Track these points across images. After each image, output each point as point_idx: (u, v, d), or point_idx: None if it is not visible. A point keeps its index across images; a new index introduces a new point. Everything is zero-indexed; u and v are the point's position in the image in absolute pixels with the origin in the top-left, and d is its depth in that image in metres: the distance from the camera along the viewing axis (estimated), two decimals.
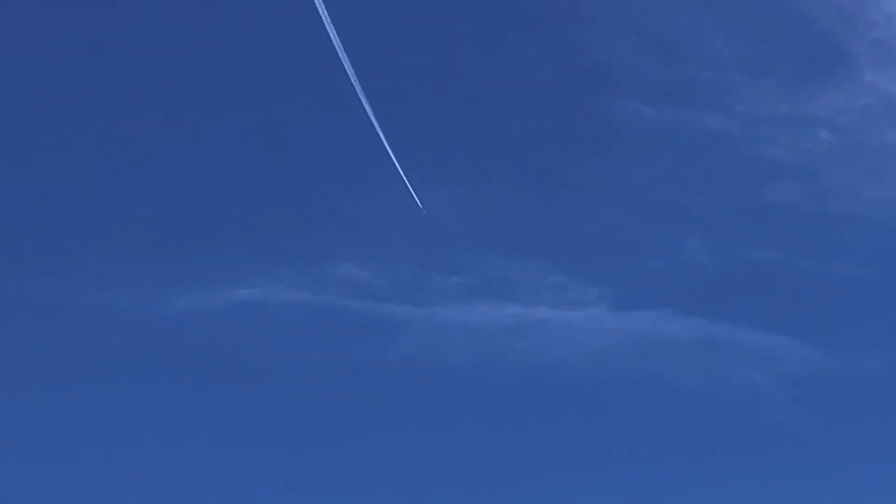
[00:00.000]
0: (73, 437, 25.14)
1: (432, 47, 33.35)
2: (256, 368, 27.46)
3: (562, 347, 29.20)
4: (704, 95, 33.85)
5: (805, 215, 32.03)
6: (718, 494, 25.81)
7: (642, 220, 31.76)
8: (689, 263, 31.17)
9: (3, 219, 29.13)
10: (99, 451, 24.87)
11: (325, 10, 25.26)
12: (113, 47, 31.32)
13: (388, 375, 28.09)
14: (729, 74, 34.24)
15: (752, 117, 33.87)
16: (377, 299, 29.35)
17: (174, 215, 30.55)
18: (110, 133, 30.56)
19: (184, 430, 25.78)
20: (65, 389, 26.12)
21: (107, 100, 30.96)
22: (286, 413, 26.79)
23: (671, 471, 26.55)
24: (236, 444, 25.64)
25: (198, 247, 30.06)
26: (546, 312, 30.17)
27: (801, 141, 33.42)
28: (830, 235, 31.79)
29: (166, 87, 31.43)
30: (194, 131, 31.67)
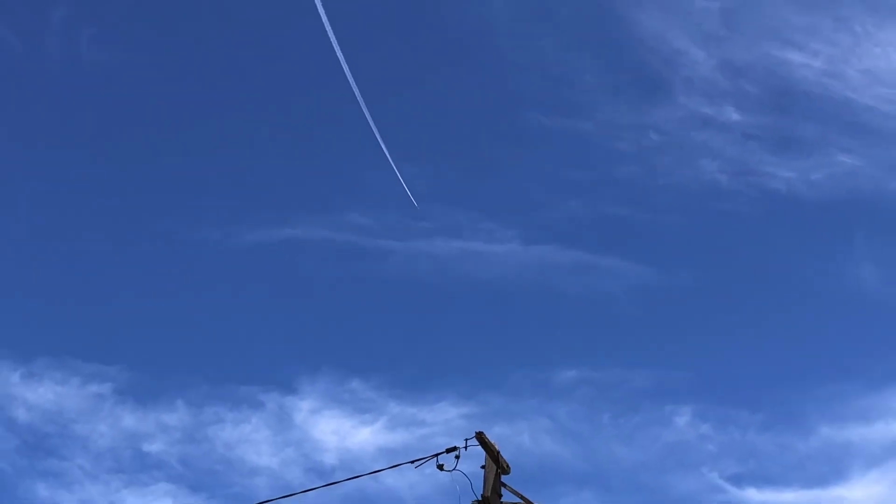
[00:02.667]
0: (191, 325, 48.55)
1: (415, 77, 57.38)
2: (298, 281, 49.83)
3: (490, 268, 50.12)
4: (579, 110, 55.45)
5: (642, 187, 53.44)
6: (588, 361, 45.89)
7: (543, 188, 53.48)
8: (570, 215, 52.18)
9: (134, 177, 52.72)
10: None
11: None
12: None
13: (381, 285, 49.63)
14: (595, 96, 56.67)
15: (609, 123, 55.40)
16: (373, 236, 49.49)
17: (244, 179, 53.56)
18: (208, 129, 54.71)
19: (251, 327, 47.96)
20: (177, 293, 49.29)
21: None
22: (318, 308, 50.00)
23: (560, 346, 48.04)
24: (290, 335, 48.29)
25: (259, 201, 52.17)
26: (481, 246, 50.18)
27: (639, 139, 54.30)
28: (658, 199, 53.16)
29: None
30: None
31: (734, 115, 60.06)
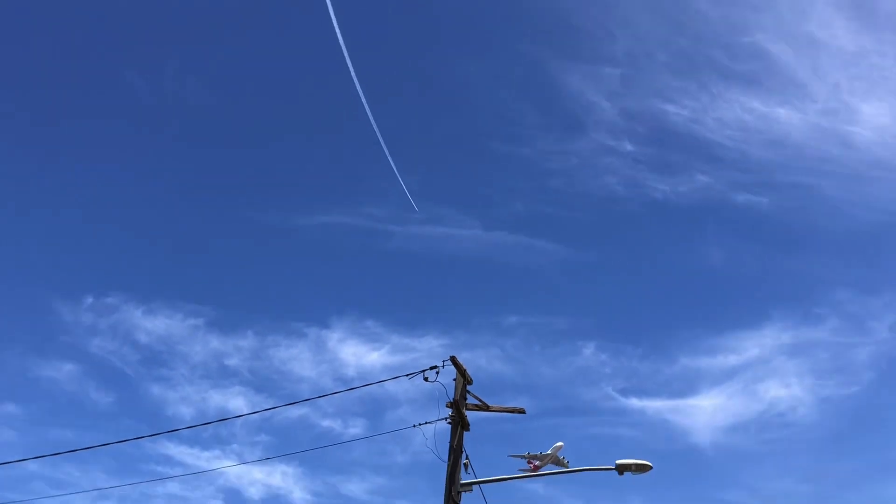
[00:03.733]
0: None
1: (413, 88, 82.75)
2: (331, 251, 73.41)
3: (461, 247, 71.30)
4: (523, 140, 78.71)
5: (565, 193, 76.52)
6: (525, 310, 67.50)
7: (498, 193, 77.21)
8: (516, 211, 75.22)
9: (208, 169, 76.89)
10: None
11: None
12: None
13: (387, 255, 71.88)
14: (534, 131, 79.63)
15: (543, 150, 78.21)
16: (382, 223, 71.32)
17: (296, 181, 79.44)
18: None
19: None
20: (250, 258, 72.94)
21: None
22: (344, 270, 74.56)
23: (507, 300, 70.59)
24: (326, 289, 72.20)
25: (305, 196, 77.28)
26: (455, 231, 71.18)
27: (563, 161, 76.77)
28: (575, 202, 76.81)
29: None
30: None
31: (628, 146, 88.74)
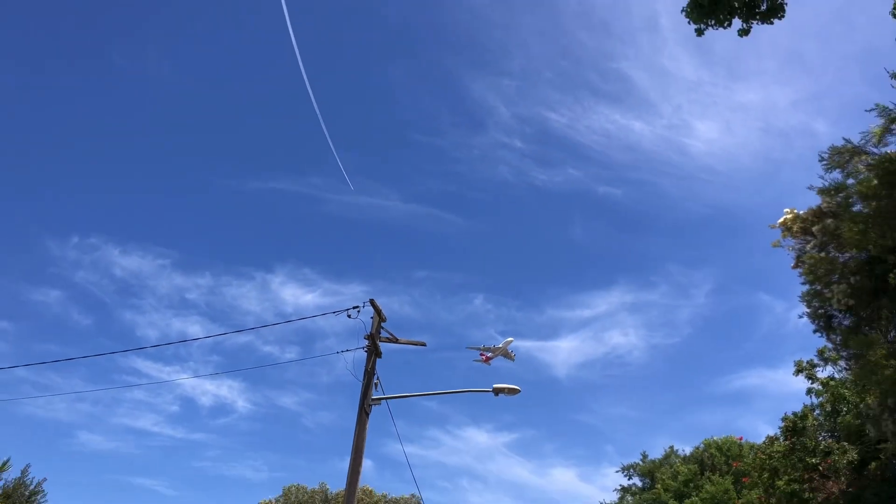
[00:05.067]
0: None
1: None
2: (279, 212, 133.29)
3: (385, 214, 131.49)
4: (438, 133, 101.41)
5: (468, 178, 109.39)
6: (431, 267, 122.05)
7: (416, 173, 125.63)
8: (428, 188, 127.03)
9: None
10: None
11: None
12: None
13: (325, 217, 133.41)
14: (446, 128, 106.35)
15: (453, 142, 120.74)
16: (323, 191, 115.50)
17: (252, 153, 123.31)
18: None
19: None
20: (208, 213, 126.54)
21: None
22: (288, 226, 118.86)
23: (417, 258, 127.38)
24: (272, 241, 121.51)
25: (258, 164, 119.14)
26: (381, 202, 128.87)
27: (468, 152, 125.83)
28: (476, 185, 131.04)
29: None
30: None
31: (518, 144, 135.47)
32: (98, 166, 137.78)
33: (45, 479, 38.05)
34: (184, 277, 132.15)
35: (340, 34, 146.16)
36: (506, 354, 78.80)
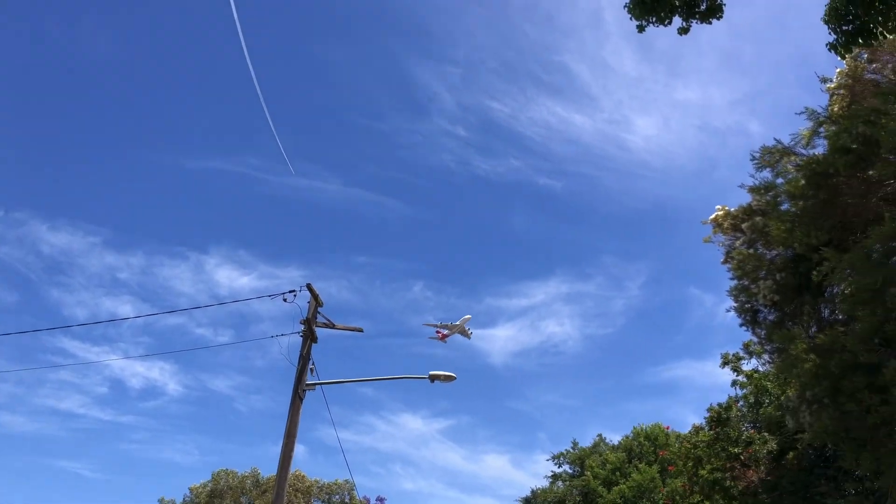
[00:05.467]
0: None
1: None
2: (215, 192, 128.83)
3: (324, 197, 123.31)
4: (380, 117, 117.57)
5: (411, 164, 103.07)
6: (371, 253, 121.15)
7: (357, 157, 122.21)
8: (371, 174, 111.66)
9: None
10: None
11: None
12: None
13: (262, 198, 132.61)
14: (388, 112, 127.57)
15: (396, 128, 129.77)
16: (261, 172, 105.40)
17: (191, 133, 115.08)
18: None
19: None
20: (144, 191, 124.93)
21: None
22: (224, 206, 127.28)
23: (358, 244, 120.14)
24: (206, 221, 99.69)
25: (197, 144, 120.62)
26: (320, 185, 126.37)
27: (410, 137, 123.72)
28: (419, 171, 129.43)
29: None
30: None
31: (462, 132, 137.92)
32: (27, 139, 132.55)
33: None
34: (115, 256, 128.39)
35: (283, 13, 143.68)
36: (463, 332, 78.84)
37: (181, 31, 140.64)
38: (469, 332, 79.74)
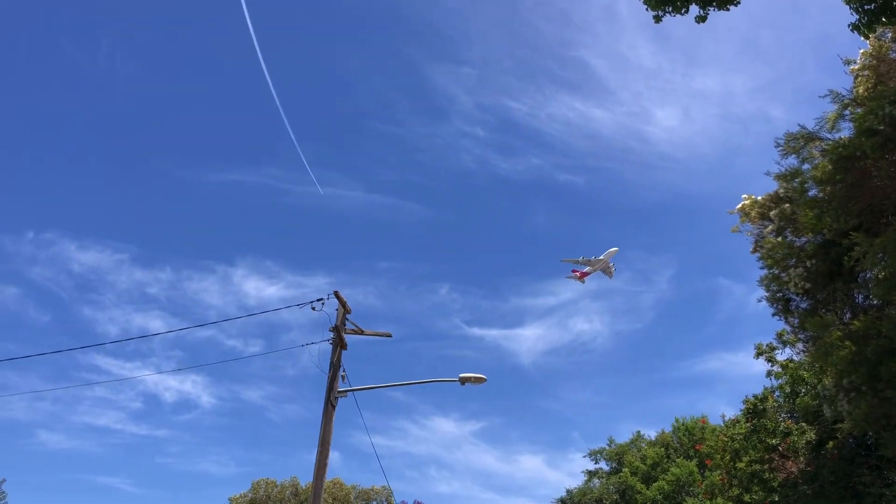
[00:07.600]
0: None
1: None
2: (239, 203, 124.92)
3: (348, 205, 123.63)
4: (399, 123, 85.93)
5: (430, 167, 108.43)
6: (395, 257, 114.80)
7: (377, 164, 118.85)
8: (390, 179, 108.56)
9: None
10: None
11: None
12: None
13: (286, 209, 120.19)
14: (406, 116, 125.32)
15: (414, 132, 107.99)
16: (282, 182, 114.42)
17: (213, 145, 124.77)
18: None
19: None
20: (169, 205, 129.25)
21: None
22: (249, 219, 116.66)
23: (381, 248, 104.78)
24: (233, 232, 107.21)
25: (218, 157, 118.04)
26: (343, 192, 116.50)
27: (430, 140, 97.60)
28: (438, 174, 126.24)
29: None
30: None
31: (481, 133, 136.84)
32: (52, 160, 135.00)
33: (3, 481, 37.49)
34: (143, 272, 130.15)
35: (299, 23, 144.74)
36: (606, 269, 70.54)
37: (198, 46, 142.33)
38: (612, 267, 70.93)
